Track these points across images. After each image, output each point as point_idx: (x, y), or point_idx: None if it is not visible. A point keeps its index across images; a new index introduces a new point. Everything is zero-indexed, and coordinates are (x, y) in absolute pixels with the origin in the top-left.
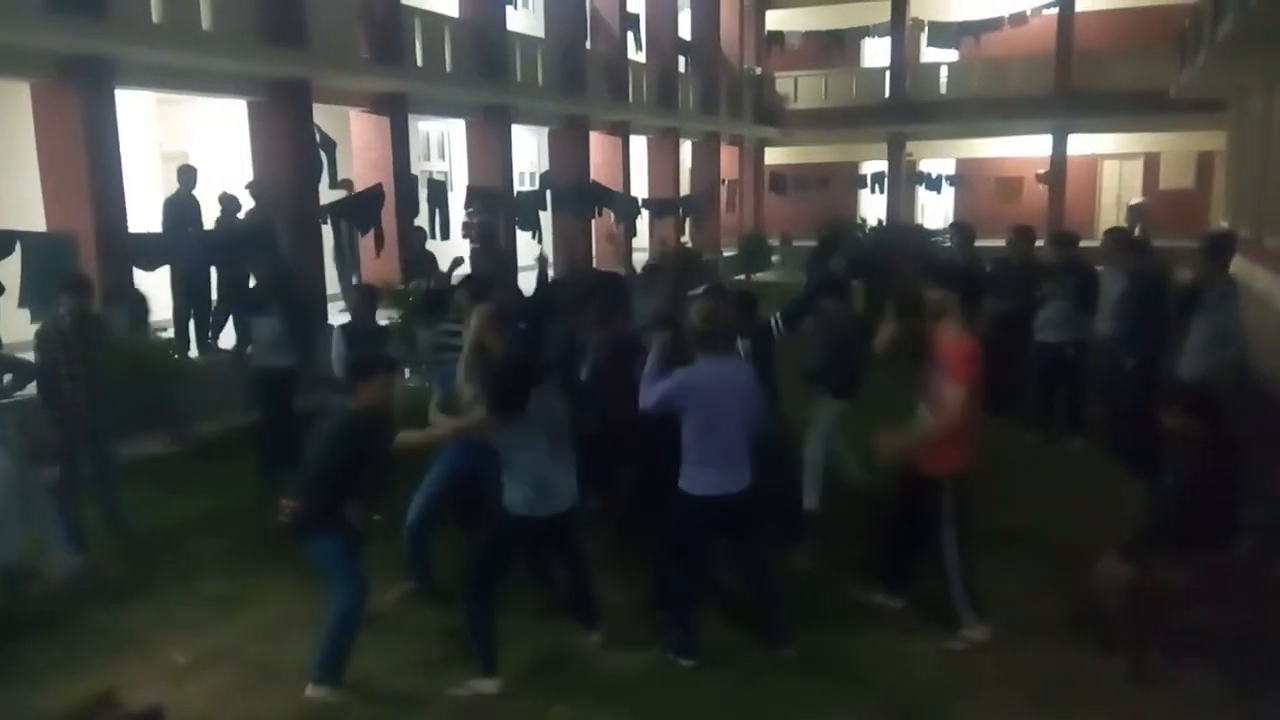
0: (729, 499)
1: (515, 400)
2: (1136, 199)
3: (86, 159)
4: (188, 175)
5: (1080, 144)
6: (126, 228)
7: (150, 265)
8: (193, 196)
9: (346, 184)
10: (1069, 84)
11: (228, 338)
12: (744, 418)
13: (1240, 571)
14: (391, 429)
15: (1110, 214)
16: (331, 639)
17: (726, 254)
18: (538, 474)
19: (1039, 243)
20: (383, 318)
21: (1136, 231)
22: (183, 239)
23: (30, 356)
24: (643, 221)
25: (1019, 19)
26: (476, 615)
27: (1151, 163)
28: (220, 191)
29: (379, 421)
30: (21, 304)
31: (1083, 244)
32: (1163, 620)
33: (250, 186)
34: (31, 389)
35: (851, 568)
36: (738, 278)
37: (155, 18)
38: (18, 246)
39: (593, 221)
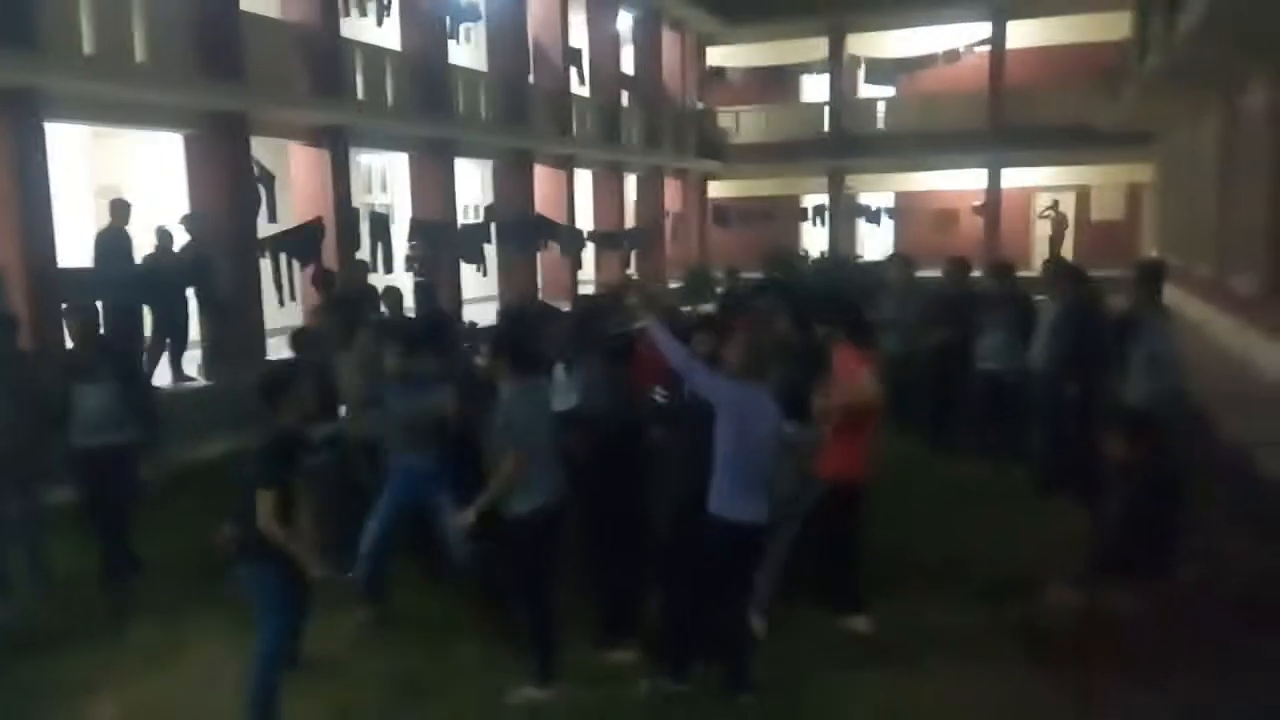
0: (754, 528)
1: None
2: (1048, 207)
3: (15, 192)
4: (121, 209)
5: (1014, 177)
6: (55, 262)
7: (80, 300)
8: (125, 231)
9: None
10: (1002, 118)
11: (161, 374)
12: (772, 449)
13: (1186, 595)
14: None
15: (1044, 245)
16: (256, 683)
17: (672, 286)
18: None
19: (975, 273)
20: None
21: (1050, 231)
22: (114, 274)
23: None
24: (588, 255)
25: (952, 56)
26: (541, 620)
27: (1083, 195)
28: (157, 225)
29: (302, 440)
30: None
31: (1019, 274)
32: (1112, 646)
33: (185, 220)
34: None
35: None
36: (684, 309)
37: (87, 49)
38: None
39: (538, 255)
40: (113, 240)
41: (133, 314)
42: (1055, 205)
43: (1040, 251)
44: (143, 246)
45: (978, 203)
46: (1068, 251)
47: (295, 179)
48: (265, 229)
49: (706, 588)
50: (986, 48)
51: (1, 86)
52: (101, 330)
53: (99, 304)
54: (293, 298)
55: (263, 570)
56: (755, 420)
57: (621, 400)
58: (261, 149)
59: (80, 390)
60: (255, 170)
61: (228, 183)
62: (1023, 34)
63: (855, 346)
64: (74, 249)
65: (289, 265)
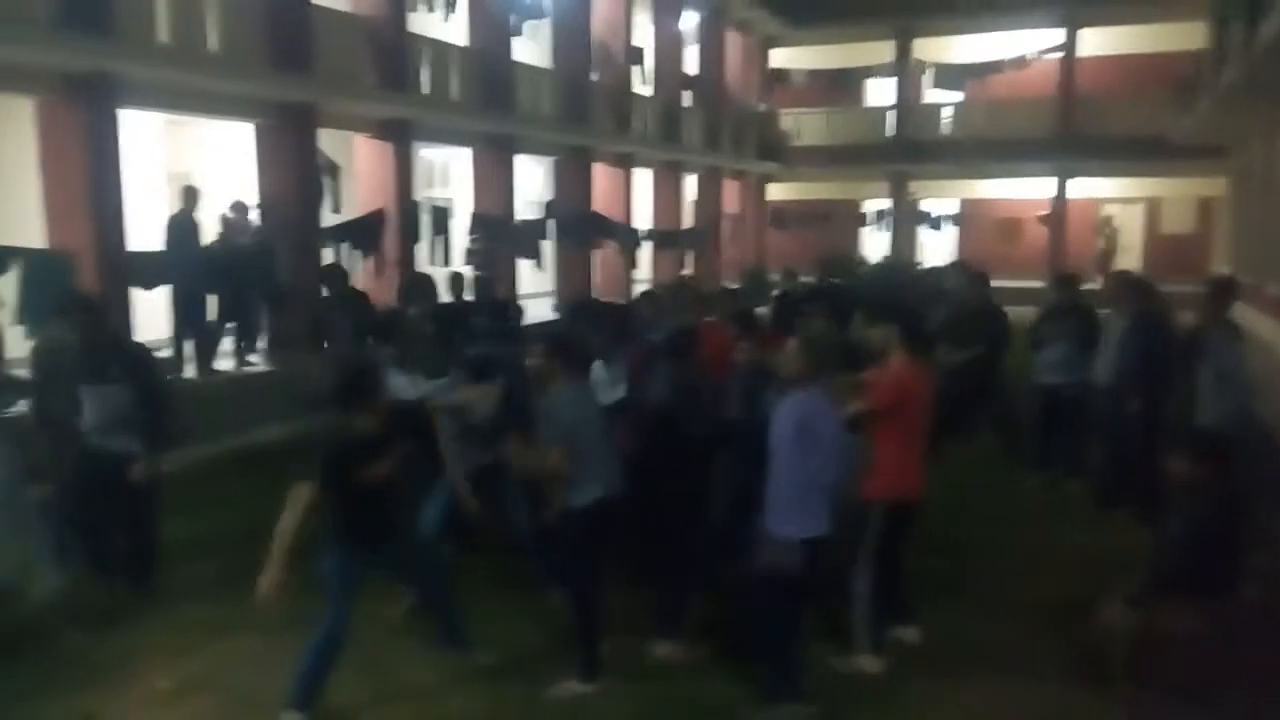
0: (819, 541)
1: None
2: (1103, 223)
3: (88, 177)
4: (191, 195)
5: (1081, 187)
6: (125, 246)
7: (149, 284)
8: (193, 217)
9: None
10: (1071, 127)
11: (223, 359)
12: (834, 453)
13: (1245, 618)
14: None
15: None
16: (308, 665)
17: (727, 287)
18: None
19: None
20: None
21: (1102, 244)
22: (182, 258)
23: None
24: (644, 253)
25: (1022, 62)
26: (587, 614)
27: (1152, 207)
28: (221, 213)
29: (374, 444)
30: (18, 320)
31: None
32: (1167, 666)
33: (260, 206)
34: (25, 406)
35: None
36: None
37: (162, 37)
38: (15, 263)
39: (594, 252)
40: (182, 225)
41: (198, 299)
42: (1109, 220)
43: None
44: (211, 233)
45: (1043, 212)
46: (1134, 264)
47: (359, 171)
48: (329, 219)
49: (786, 609)
50: (1057, 55)
51: (78, 72)
52: (115, 324)
53: (168, 288)
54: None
55: (328, 562)
56: (817, 424)
57: (682, 395)
58: (328, 140)
59: (86, 391)
60: (321, 161)
61: (294, 172)
62: (1095, 42)
63: (909, 353)
64: (145, 234)
65: (350, 255)
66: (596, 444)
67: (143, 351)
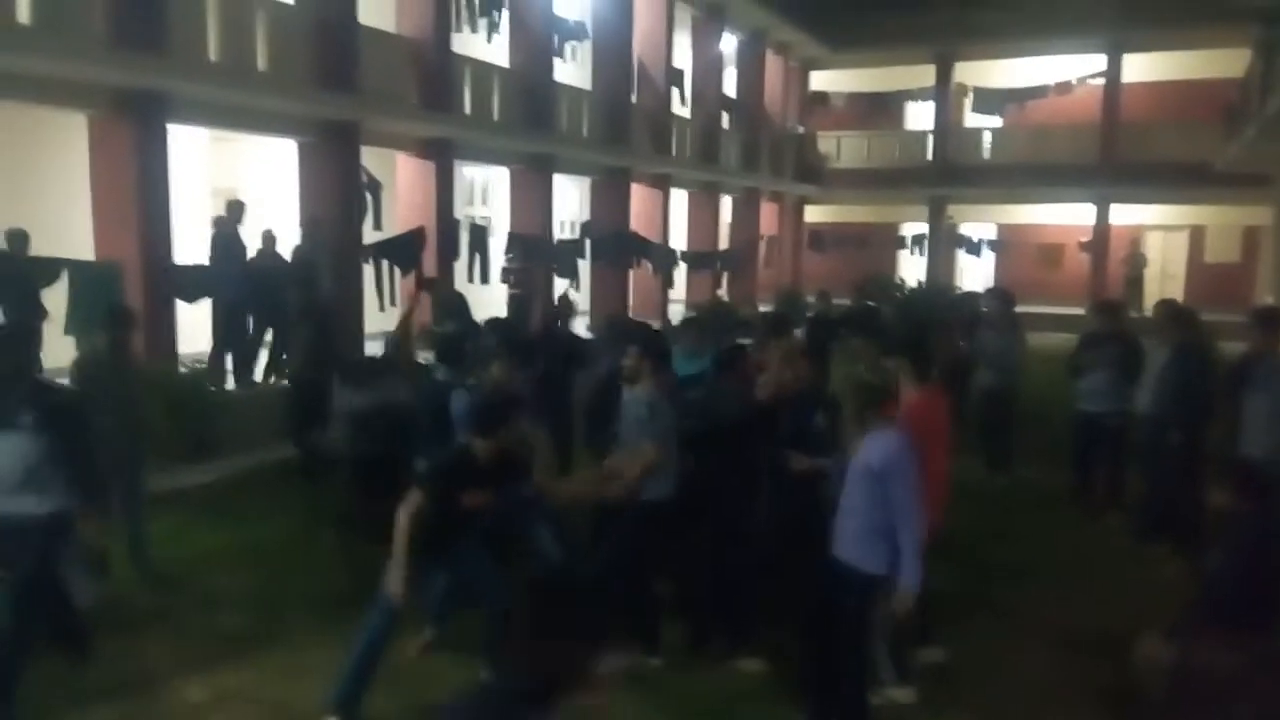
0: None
1: None
2: (1136, 247)
3: (137, 191)
4: (235, 209)
5: (1124, 214)
6: (171, 259)
7: (192, 297)
8: (237, 231)
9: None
10: (1114, 153)
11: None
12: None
13: None
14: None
15: (1154, 285)
16: (352, 667)
17: (763, 309)
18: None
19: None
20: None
21: (1128, 272)
22: (225, 272)
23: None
24: (680, 274)
25: (1064, 88)
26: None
27: (1196, 235)
28: (264, 229)
29: (480, 473)
30: (67, 331)
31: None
32: (1205, 706)
33: (304, 224)
34: None
35: None
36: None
37: (212, 56)
38: (64, 274)
39: (630, 272)
40: (226, 239)
41: (241, 312)
42: (1136, 245)
43: (1149, 291)
44: (254, 247)
45: (1085, 239)
46: (1177, 293)
47: (401, 188)
48: (370, 235)
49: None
50: (1100, 80)
51: (130, 88)
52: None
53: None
54: (393, 303)
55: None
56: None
57: (725, 409)
58: (370, 158)
59: None
60: (364, 178)
61: (337, 189)
62: (1138, 68)
63: (918, 382)
64: (189, 248)
65: (390, 271)
66: (672, 448)
67: (64, 395)
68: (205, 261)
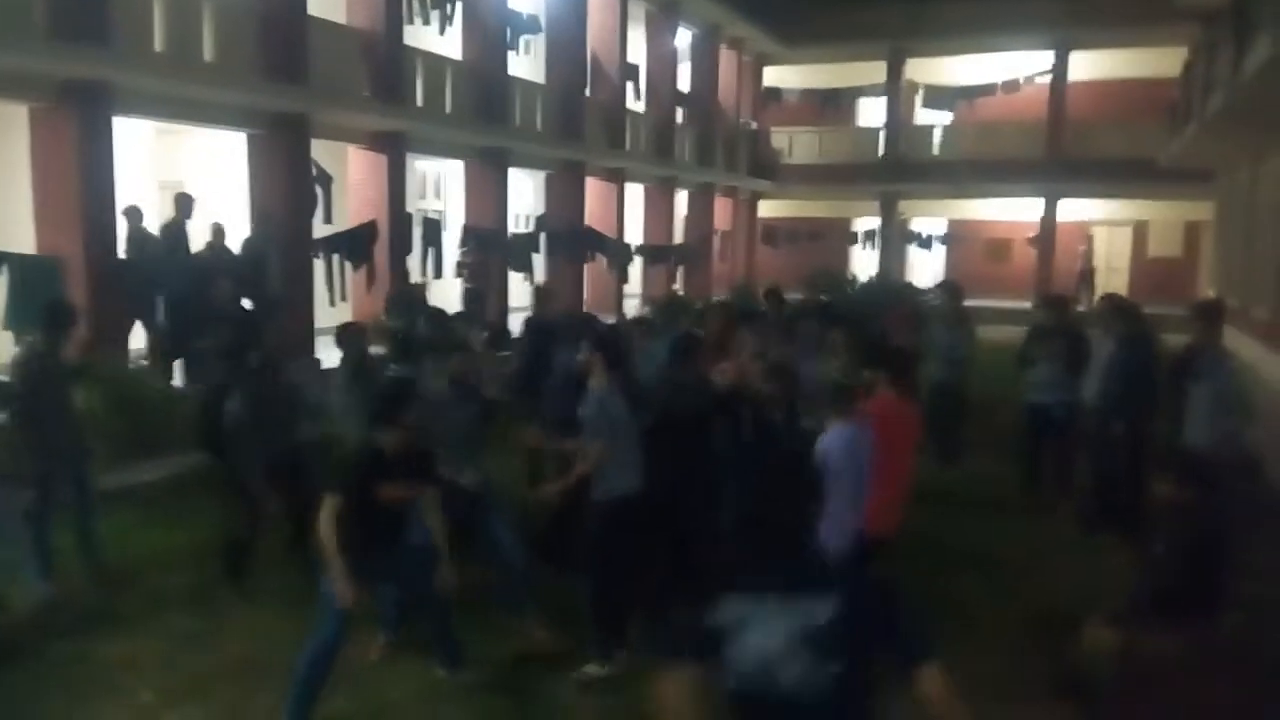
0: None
1: None
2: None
3: (80, 184)
4: (184, 203)
5: (1070, 209)
6: (115, 254)
7: (139, 292)
8: (185, 225)
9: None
10: (1060, 150)
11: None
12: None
13: (1230, 643)
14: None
15: (1099, 279)
16: (302, 676)
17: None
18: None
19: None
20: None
21: (1079, 266)
22: (172, 266)
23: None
24: (636, 268)
25: (1012, 86)
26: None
27: (1140, 230)
28: (212, 222)
29: (390, 465)
30: (6, 326)
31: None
32: (1150, 689)
33: (255, 214)
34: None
35: None
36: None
37: (158, 46)
38: (4, 268)
39: (585, 266)
40: (175, 234)
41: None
42: (1089, 241)
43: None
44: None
45: (1032, 234)
46: (1121, 286)
47: (352, 182)
48: (321, 229)
49: None
50: (1047, 78)
51: (74, 79)
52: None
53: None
54: (343, 298)
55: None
56: (861, 458)
57: (680, 395)
58: (321, 151)
59: None
60: (314, 171)
61: (287, 182)
62: (1084, 66)
63: (897, 389)
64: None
65: (341, 266)
66: (629, 442)
67: None
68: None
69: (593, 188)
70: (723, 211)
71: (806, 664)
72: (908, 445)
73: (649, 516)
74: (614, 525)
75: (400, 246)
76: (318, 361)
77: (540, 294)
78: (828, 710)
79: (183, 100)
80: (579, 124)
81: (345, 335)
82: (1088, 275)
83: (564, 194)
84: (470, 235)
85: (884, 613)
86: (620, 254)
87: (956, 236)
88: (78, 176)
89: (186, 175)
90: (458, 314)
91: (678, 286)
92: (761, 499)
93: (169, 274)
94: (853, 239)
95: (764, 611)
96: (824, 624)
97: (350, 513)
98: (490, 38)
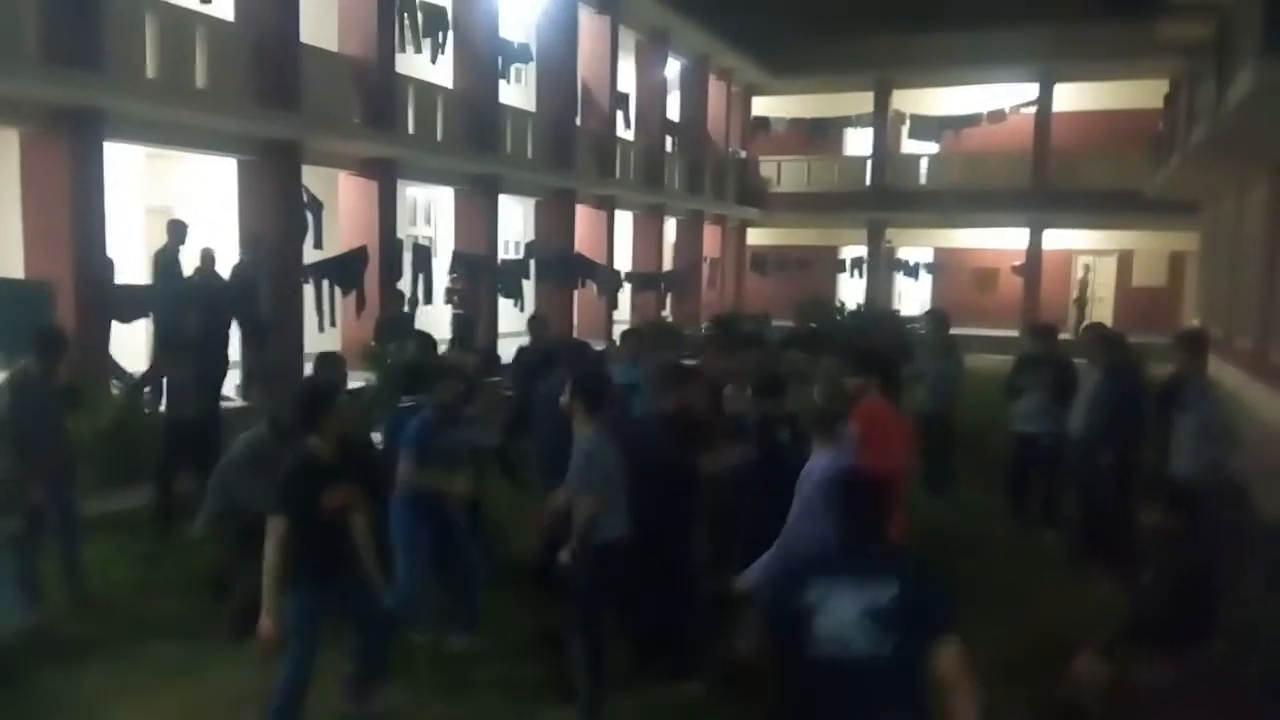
0: None
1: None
2: (1084, 272)
3: (70, 209)
4: (177, 230)
5: (1056, 239)
6: (106, 279)
7: (129, 317)
8: (178, 252)
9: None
10: (1046, 180)
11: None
12: None
13: (1218, 671)
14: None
15: (1086, 308)
16: (276, 706)
17: (705, 329)
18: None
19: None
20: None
21: (1074, 294)
22: (164, 292)
23: None
24: (625, 294)
25: (998, 116)
26: (593, 653)
27: (1125, 260)
28: (202, 247)
29: (330, 471)
30: None
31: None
32: (1139, 718)
33: (245, 239)
34: None
35: None
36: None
37: (150, 72)
38: None
39: (575, 293)
40: (169, 260)
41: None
42: (1087, 270)
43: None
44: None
45: (1018, 263)
46: (1106, 315)
47: (343, 208)
48: (311, 255)
49: None
50: (1032, 109)
51: (66, 105)
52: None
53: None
54: (333, 323)
55: (289, 594)
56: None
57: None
58: (312, 177)
59: None
60: (305, 197)
61: (277, 208)
62: (1069, 97)
63: (886, 400)
64: (123, 267)
65: (331, 291)
66: (618, 489)
67: None
68: (143, 281)
69: (583, 215)
70: (711, 239)
71: (873, 635)
72: (901, 448)
73: (637, 557)
74: (603, 572)
75: (390, 272)
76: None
77: (534, 325)
78: (890, 674)
79: (174, 126)
80: (569, 152)
81: (321, 364)
82: (1081, 303)
83: (554, 221)
84: (460, 261)
85: (932, 594)
86: (610, 281)
87: (943, 265)
88: (68, 201)
89: (176, 200)
90: (449, 340)
91: (666, 313)
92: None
93: (161, 299)
94: (840, 267)
95: (839, 593)
96: (886, 603)
97: (293, 531)
98: (481, 66)
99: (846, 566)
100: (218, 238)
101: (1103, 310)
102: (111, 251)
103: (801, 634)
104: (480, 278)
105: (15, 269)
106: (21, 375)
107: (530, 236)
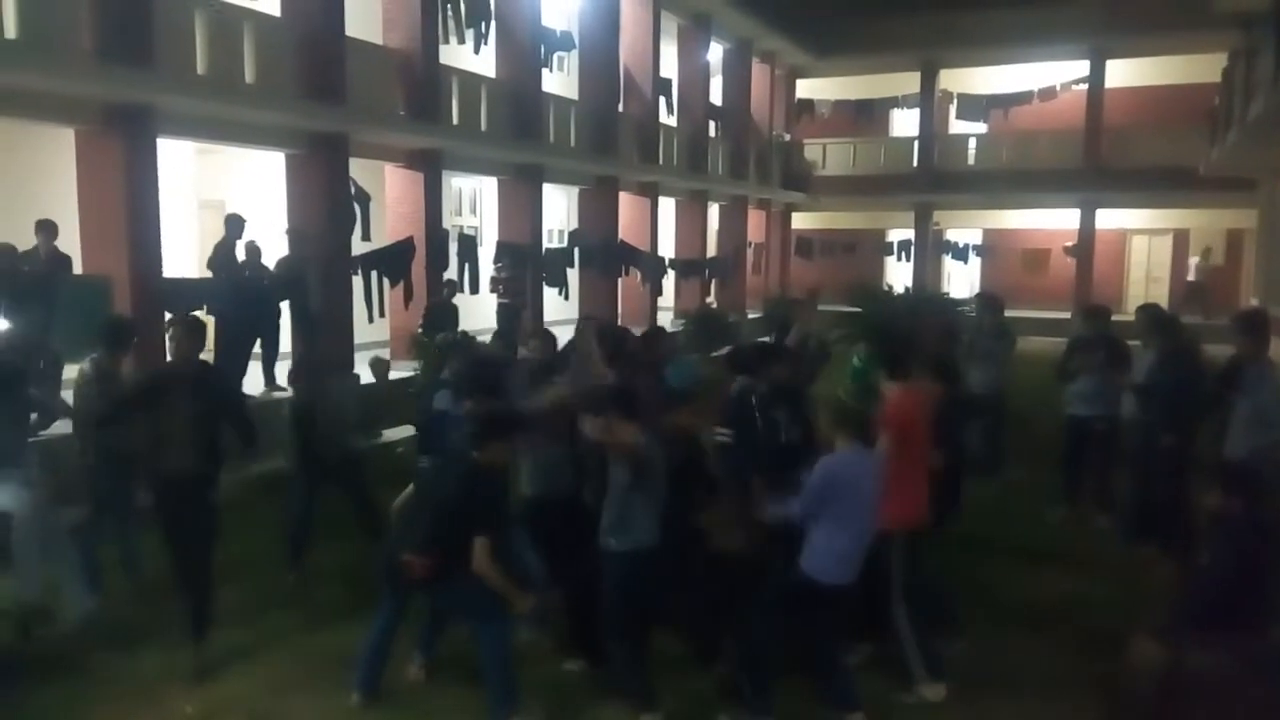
0: (847, 589)
1: None
2: (1197, 259)
3: (126, 205)
4: (235, 224)
5: (1109, 218)
6: (160, 273)
7: (181, 309)
8: (235, 245)
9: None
10: (1098, 158)
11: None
12: (874, 507)
13: (1275, 657)
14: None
15: (1139, 289)
16: (499, 673)
17: (751, 316)
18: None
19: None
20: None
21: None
22: (214, 284)
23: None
24: (669, 281)
25: (1048, 93)
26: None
27: (1180, 239)
28: (247, 241)
29: (498, 477)
30: (54, 346)
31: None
32: (1197, 705)
33: (288, 234)
34: (60, 427)
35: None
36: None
37: (200, 69)
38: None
39: (619, 280)
40: (227, 253)
41: (231, 323)
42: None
43: (1135, 295)
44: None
45: (1070, 243)
46: (1162, 297)
47: (390, 199)
48: (359, 247)
49: (794, 640)
50: (1084, 86)
51: (119, 102)
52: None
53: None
54: (381, 314)
55: (473, 585)
56: (860, 483)
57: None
58: (359, 170)
59: None
60: (352, 190)
61: (325, 201)
62: (1122, 73)
63: (893, 378)
64: (175, 260)
65: (379, 283)
66: (654, 494)
67: None
68: (200, 275)
69: (626, 202)
70: (756, 224)
71: None
72: (919, 437)
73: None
74: (631, 578)
75: (437, 263)
76: (356, 377)
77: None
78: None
79: (224, 121)
80: (612, 139)
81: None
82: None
83: (598, 208)
84: (505, 250)
85: None
86: (654, 268)
87: (992, 247)
88: (122, 197)
89: (227, 194)
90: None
91: (711, 299)
92: None
93: (212, 291)
94: (887, 250)
95: None
96: None
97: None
98: (524, 55)
99: None
100: (270, 231)
101: (1158, 291)
102: (165, 245)
103: None
104: (525, 267)
105: (73, 265)
106: (96, 367)
107: (574, 225)
